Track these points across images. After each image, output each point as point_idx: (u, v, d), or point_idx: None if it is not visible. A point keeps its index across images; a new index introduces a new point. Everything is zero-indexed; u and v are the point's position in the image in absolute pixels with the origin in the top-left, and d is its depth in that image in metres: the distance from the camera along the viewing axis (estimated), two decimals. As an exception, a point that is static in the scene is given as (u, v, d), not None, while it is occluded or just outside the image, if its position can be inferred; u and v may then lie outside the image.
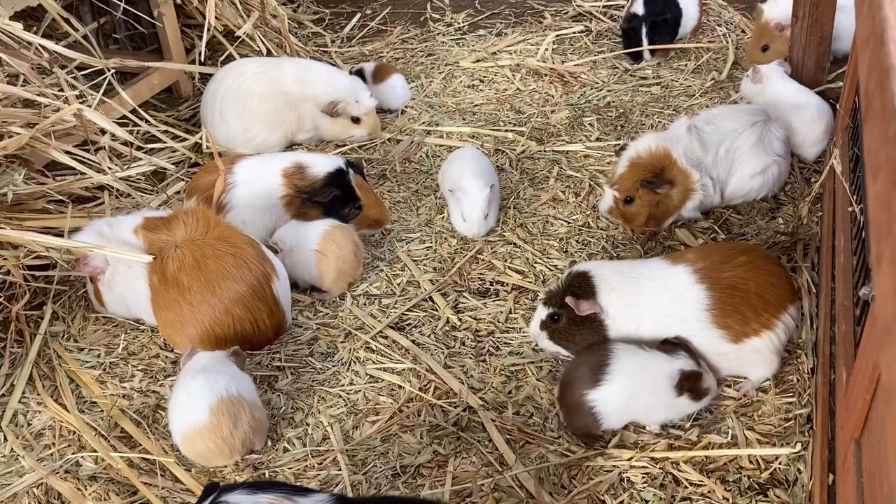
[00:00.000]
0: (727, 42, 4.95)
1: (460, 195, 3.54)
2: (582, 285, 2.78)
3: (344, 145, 4.34)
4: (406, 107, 4.64)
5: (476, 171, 3.60)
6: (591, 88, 4.65)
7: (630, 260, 3.32)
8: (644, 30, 4.80)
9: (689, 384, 2.60)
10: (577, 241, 3.53)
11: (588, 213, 3.69)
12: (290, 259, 3.31)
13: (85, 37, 3.92)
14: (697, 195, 3.46)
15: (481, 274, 3.40)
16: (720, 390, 2.78)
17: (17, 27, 3.46)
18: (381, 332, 3.15)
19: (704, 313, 2.71)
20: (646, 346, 2.69)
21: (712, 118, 3.60)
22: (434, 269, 3.46)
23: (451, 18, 5.58)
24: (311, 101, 4.22)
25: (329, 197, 3.49)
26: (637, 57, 4.82)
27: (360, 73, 4.67)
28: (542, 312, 2.86)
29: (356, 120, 4.27)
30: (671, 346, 2.69)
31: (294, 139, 4.35)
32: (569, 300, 2.75)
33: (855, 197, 2.82)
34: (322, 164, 3.57)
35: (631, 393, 2.60)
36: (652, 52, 4.81)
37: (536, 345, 3.00)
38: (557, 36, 5.19)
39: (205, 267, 2.93)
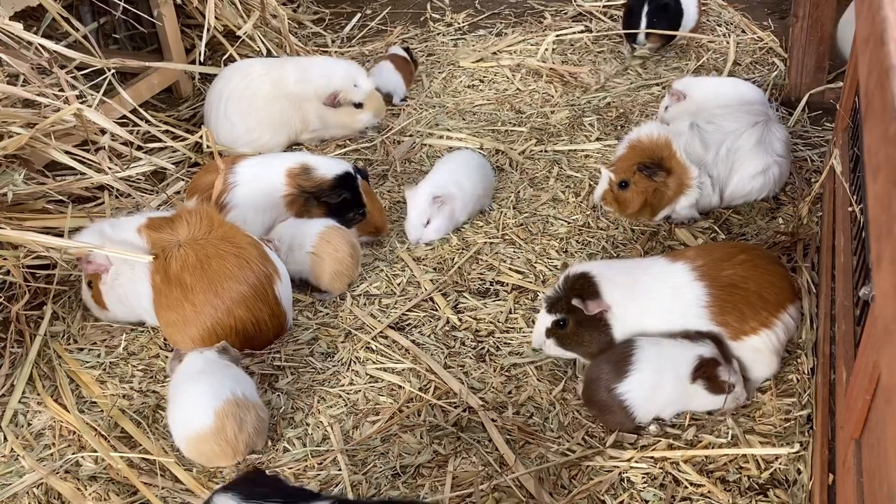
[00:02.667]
0: (727, 42, 4.95)
1: (409, 197, 3.58)
2: (585, 286, 2.77)
3: (345, 146, 4.34)
4: (406, 107, 4.64)
5: (434, 178, 3.61)
6: (591, 88, 4.65)
7: (628, 259, 3.32)
8: (645, 9, 4.79)
9: (704, 371, 2.58)
10: (577, 241, 3.53)
11: (588, 213, 3.69)
12: (287, 259, 3.31)
13: (85, 37, 3.92)
14: (693, 192, 3.46)
15: (481, 274, 3.40)
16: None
17: (17, 27, 3.46)
18: (381, 332, 3.15)
19: (703, 310, 2.71)
20: (672, 337, 2.69)
21: (713, 117, 3.60)
22: (434, 269, 3.46)
23: (451, 18, 5.58)
24: (314, 99, 4.21)
25: (339, 198, 3.50)
26: (633, 39, 4.82)
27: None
28: (546, 320, 2.84)
29: (359, 105, 4.26)
30: (699, 335, 2.68)
31: (297, 139, 4.35)
32: (576, 302, 2.74)
33: (855, 197, 2.82)
34: (329, 167, 3.57)
35: (656, 381, 2.60)
36: (648, 35, 4.80)
37: (535, 347, 3.00)
38: (557, 36, 5.19)
39: (208, 267, 2.93)
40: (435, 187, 3.55)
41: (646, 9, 4.79)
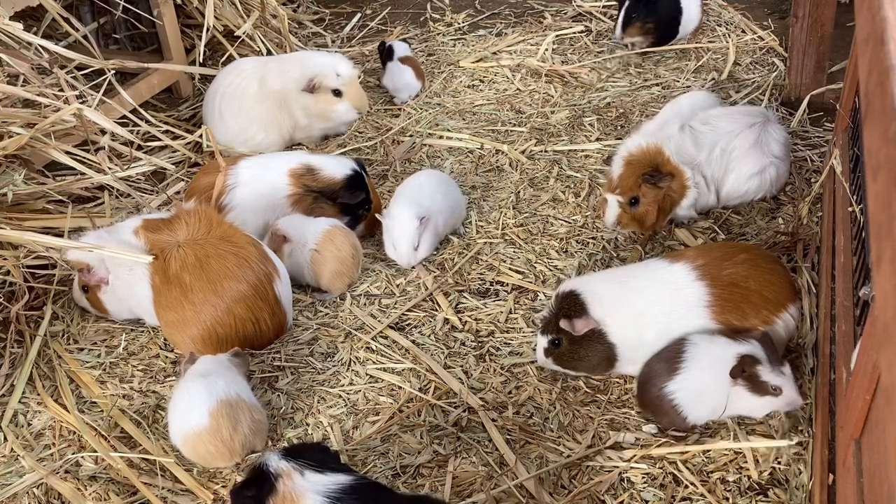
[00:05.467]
0: (727, 42, 4.95)
1: (390, 224, 3.40)
2: (572, 305, 2.77)
3: (345, 145, 4.34)
4: (406, 107, 4.64)
5: (408, 198, 3.44)
6: (591, 88, 4.65)
7: (622, 266, 3.29)
8: (626, 3, 4.80)
9: (743, 369, 2.49)
10: (577, 241, 3.53)
11: (588, 213, 3.68)
12: (290, 256, 3.31)
13: (85, 37, 3.92)
14: (691, 192, 3.46)
15: (481, 274, 3.40)
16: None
17: (17, 27, 3.46)
18: (381, 332, 3.15)
19: (705, 310, 2.71)
20: (719, 335, 2.65)
21: (709, 118, 3.59)
22: (434, 269, 3.45)
23: (451, 18, 5.58)
24: (294, 90, 4.13)
25: (358, 199, 3.51)
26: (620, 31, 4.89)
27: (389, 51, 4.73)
28: (542, 341, 2.84)
29: (338, 93, 4.17)
30: (744, 333, 2.63)
31: (293, 139, 4.34)
32: (563, 324, 2.73)
33: (855, 197, 2.82)
34: (336, 166, 3.57)
35: (704, 380, 2.55)
36: (624, 28, 4.82)
37: (537, 344, 3.00)
38: (557, 36, 5.19)
39: (207, 266, 2.93)
40: (417, 207, 3.37)
41: (626, 3, 4.80)
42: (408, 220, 3.35)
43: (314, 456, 2.15)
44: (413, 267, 3.44)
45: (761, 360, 2.53)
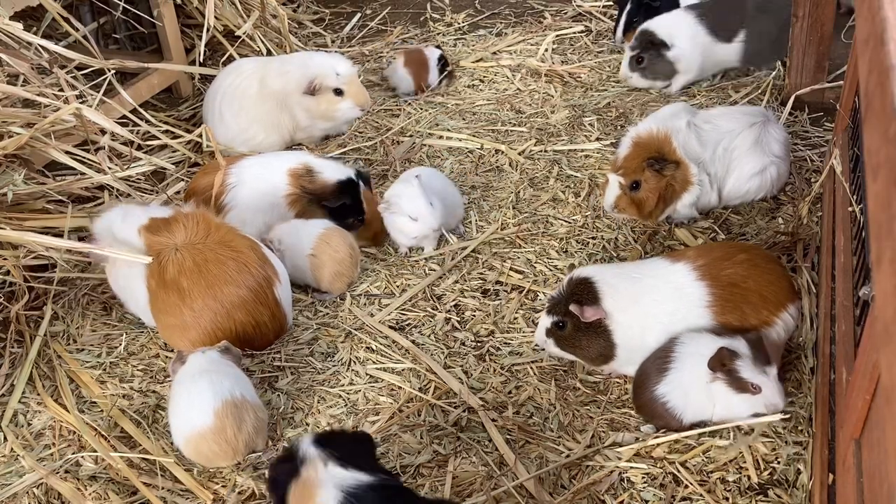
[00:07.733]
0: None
1: (396, 203, 3.40)
2: (585, 291, 2.76)
3: (345, 145, 4.34)
4: (407, 106, 4.64)
5: (404, 177, 3.53)
6: (592, 88, 4.65)
7: (630, 261, 3.31)
8: (627, 7, 4.79)
9: (719, 360, 2.45)
10: (577, 241, 3.53)
11: (588, 213, 3.68)
12: (287, 261, 3.31)
13: (85, 37, 3.92)
14: (694, 189, 3.45)
15: (481, 274, 3.40)
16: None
17: (17, 27, 3.46)
18: (381, 332, 3.15)
19: (705, 310, 2.71)
20: (706, 332, 2.63)
21: (710, 118, 3.59)
22: (434, 269, 3.45)
23: (451, 18, 5.58)
24: (295, 92, 4.13)
25: (338, 203, 3.50)
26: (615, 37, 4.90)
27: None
28: (546, 321, 2.83)
29: (339, 92, 4.17)
30: (732, 330, 2.60)
31: (294, 139, 4.34)
32: (573, 308, 2.72)
33: (855, 197, 2.82)
34: (333, 171, 3.57)
35: (694, 379, 2.53)
36: (625, 33, 4.82)
37: (537, 344, 3.00)
38: (557, 36, 5.19)
39: (206, 272, 2.92)
40: (409, 175, 3.48)
41: (628, 7, 4.80)
42: (406, 185, 3.40)
43: (345, 447, 2.13)
44: (441, 230, 3.45)
45: (742, 355, 2.50)
